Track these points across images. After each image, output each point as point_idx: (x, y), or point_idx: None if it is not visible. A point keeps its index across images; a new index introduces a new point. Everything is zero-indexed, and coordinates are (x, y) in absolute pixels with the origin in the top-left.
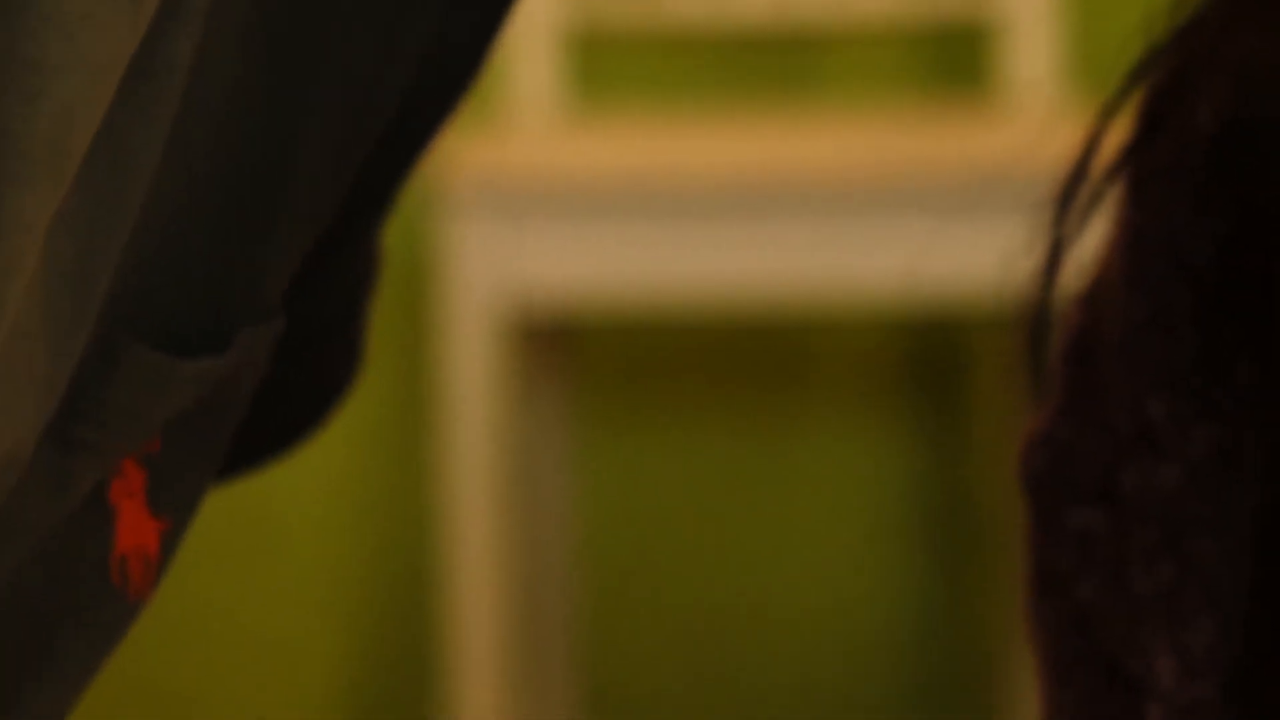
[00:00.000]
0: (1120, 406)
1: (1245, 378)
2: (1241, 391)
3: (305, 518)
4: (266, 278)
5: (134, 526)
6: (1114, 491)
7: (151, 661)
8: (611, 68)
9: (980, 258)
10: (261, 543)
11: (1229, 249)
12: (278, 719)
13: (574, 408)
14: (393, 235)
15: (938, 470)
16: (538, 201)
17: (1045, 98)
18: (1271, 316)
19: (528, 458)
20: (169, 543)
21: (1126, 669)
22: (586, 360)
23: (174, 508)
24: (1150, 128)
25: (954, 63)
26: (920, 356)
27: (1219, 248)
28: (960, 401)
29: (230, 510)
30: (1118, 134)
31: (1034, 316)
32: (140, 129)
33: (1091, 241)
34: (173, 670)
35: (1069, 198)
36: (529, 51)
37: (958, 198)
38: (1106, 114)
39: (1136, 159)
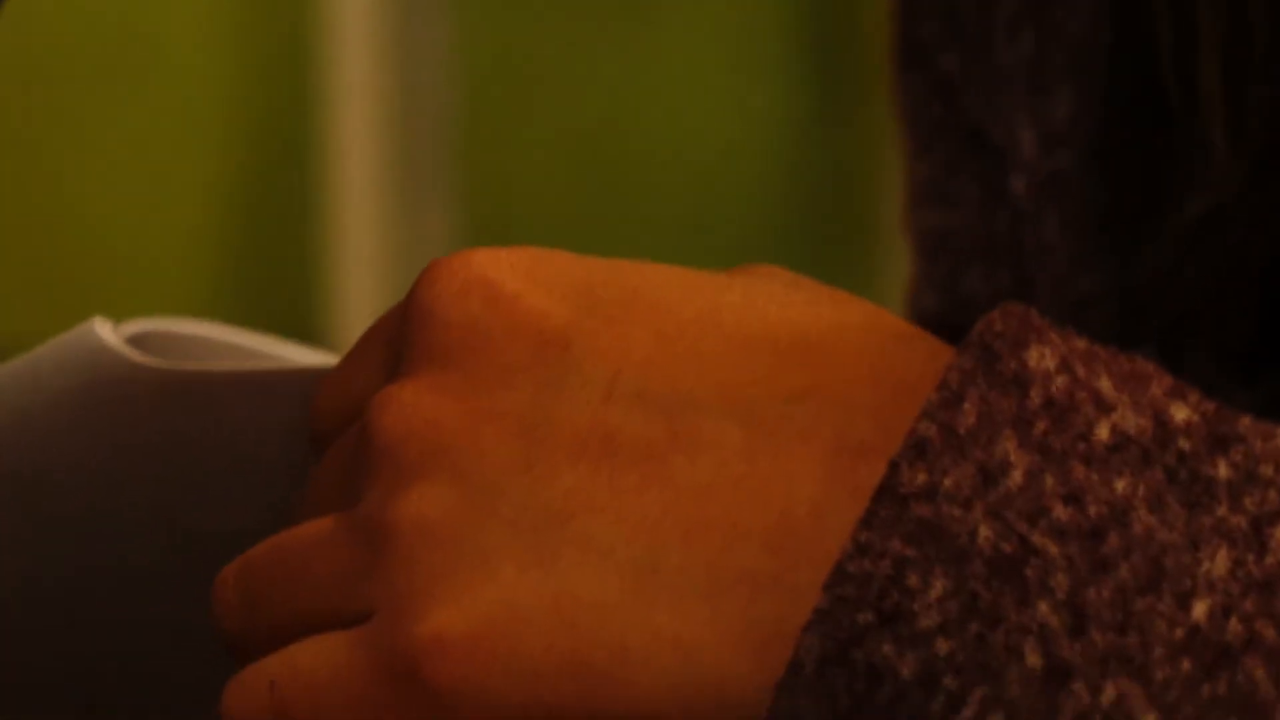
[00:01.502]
0: None
1: None
2: None
3: (184, 37)
4: None
5: None
6: None
7: (34, 177)
8: None
9: None
10: (140, 64)
11: None
12: (159, 234)
13: None
14: None
15: None
16: None
17: None
18: None
19: None
20: None
21: (988, 138)
22: None
23: None
24: None
25: None
26: None
27: None
28: None
29: (109, 34)
30: None
31: None
32: None
33: None
34: (55, 184)
35: None
36: None
37: None
38: None
39: None
